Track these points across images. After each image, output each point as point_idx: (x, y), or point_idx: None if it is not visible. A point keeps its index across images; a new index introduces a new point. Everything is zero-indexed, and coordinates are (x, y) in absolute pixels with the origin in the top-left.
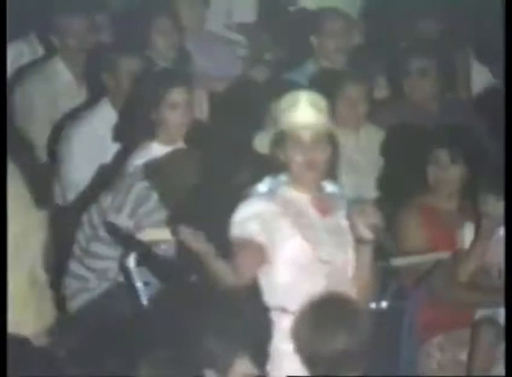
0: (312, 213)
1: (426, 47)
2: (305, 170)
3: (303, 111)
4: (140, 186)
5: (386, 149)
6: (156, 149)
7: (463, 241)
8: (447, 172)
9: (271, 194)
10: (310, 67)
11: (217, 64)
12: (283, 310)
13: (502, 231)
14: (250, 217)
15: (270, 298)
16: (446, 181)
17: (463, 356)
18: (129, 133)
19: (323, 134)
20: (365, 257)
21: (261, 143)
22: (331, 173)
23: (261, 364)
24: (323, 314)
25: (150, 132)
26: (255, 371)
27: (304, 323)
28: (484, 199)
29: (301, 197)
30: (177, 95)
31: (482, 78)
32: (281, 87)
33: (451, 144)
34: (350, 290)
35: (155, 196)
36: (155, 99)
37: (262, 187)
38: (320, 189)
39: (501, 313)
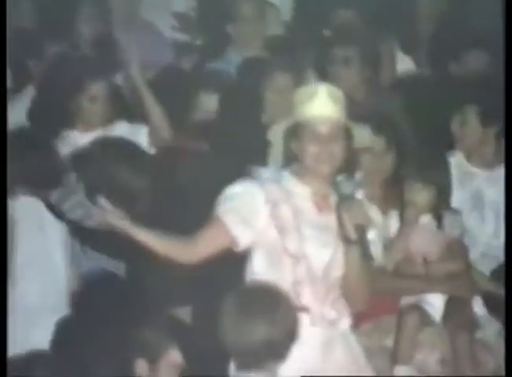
0: (309, 207)
1: (350, 36)
2: (320, 163)
3: (322, 104)
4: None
5: None
6: (77, 137)
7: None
8: (381, 160)
9: (271, 181)
10: (233, 56)
11: (146, 52)
12: None
13: (426, 219)
14: (231, 197)
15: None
16: (378, 170)
17: (389, 342)
18: (44, 120)
19: (340, 128)
20: (352, 257)
21: (275, 133)
22: (346, 169)
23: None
24: (246, 303)
25: (67, 121)
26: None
27: (227, 311)
28: (409, 187)
29: (303, 189)
30: (97, 88)
31: (406, 66)
32: (208, 76)
33: (379, 132)
34: (320, 288)
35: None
36: (74, 88)
37: (265, 173)
38: (332, 183)
39: (425, 300)
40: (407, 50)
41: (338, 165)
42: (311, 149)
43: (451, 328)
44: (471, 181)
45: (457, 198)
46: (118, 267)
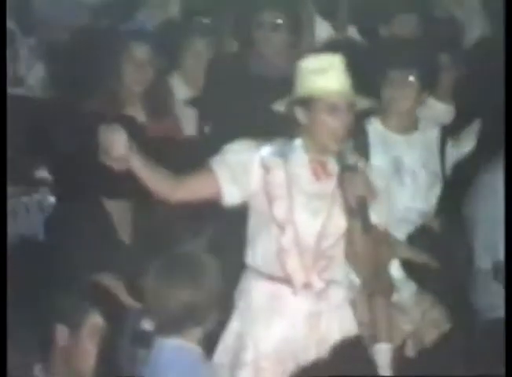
0: (306, 175)
1: (276, 2)
2: (333, 139)
3: (339, 76)
4: None
5: None
6: None
7: None
8: None
9: (270, 148)
10: (144, 18)
11: (60, 14)
12: None
13: None
14: (227, 152)
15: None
16: None
17: None
18: None
19: (350, 101)
20: (355, 229)
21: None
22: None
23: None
24: (170, 269)
25: None
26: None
27: (150, 276)
28: None
29: (301, 156)
30: None
31: (324, 31)
32: (125, 37)
33: None
34: (307, 258)
35: None
36: None
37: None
38: (336, 155)
39: None
40: (326, 15)
41: (344, 137)
42: (330, 123)
43: (368, 292)
44: (390, 147)
45: (378, 163)
46: (38, 233)
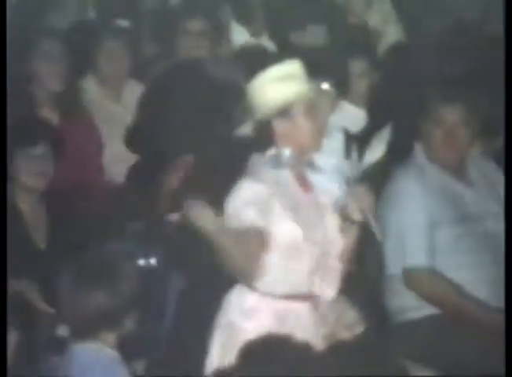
0: (297, 190)
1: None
2: (316, 141)
3: (302, 81)
4: None
5: (144, 103)
6: None
7: None
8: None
9: (268, 173)
10: (58, 17)
11: None
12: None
13: None
14: (246, 203)
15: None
16: None
17: None
18: None
19: (310, 104)
20: (351, 236)
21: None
22: (316, 145)
23: None
24: (83, 272)
25: None
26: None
27: (65, 280)
28: None
29: (287, 175)
30: None
31: (242, 38)
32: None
33: None
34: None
35: None
36: None
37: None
38: (306, 164)
39: None
40: (243, 22)
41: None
42: (308, 126)
43: None
44: None
45: None
46: None
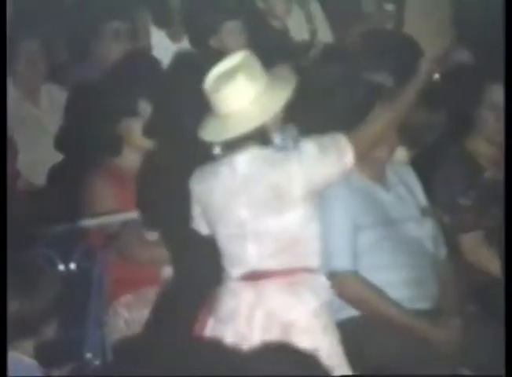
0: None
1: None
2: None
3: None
4: None
5: (68, 109)
6: None
7: None
8: None
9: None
10: None
11: None
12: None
13: None
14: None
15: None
16: None
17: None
18: None
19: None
20: None
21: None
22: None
23: None
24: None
25: None
26: None
27: None
28: None
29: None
30: None
31: (160, 41)
32: None
33: None
34: None
35: None
36: None
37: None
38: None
39: None
40: (161, 25)
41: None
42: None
43: None
44: None
45: None
46: None
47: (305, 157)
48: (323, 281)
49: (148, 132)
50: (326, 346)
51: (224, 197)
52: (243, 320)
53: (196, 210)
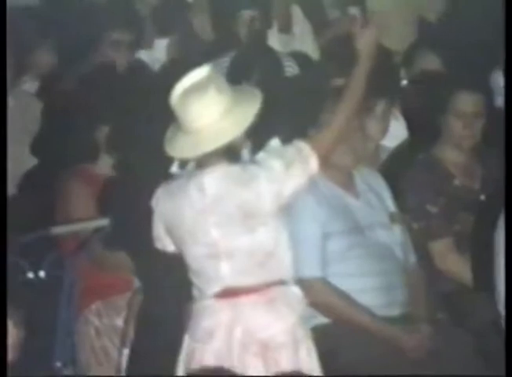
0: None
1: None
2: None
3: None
4: None
5: (45, 115)
6: None
7: None
8: None
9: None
10: None
11: None
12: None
13: None
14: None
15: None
16: None
17: (119, 321)
18: None
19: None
20: None
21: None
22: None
23: None
24: None
25: None
26: None
27: None
28: None
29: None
30: None
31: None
32: None
33: None
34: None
35: None
36: None
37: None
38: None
39: None
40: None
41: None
42: None
43: None
44: None
45: None
46: None
47: (272, 173)
48: (297, 293)
49: (112, 144)
50: (305, 359)
51: (193, 217)
52: (222, 338)
53: (159, 229)
